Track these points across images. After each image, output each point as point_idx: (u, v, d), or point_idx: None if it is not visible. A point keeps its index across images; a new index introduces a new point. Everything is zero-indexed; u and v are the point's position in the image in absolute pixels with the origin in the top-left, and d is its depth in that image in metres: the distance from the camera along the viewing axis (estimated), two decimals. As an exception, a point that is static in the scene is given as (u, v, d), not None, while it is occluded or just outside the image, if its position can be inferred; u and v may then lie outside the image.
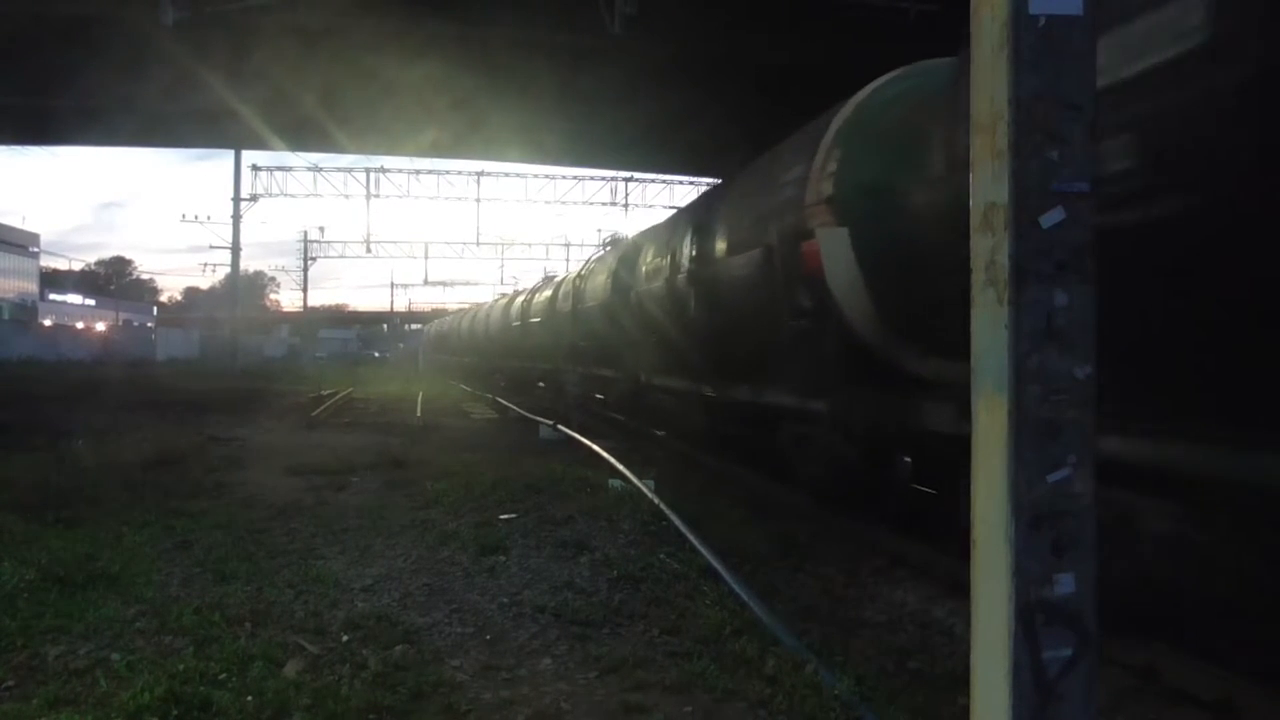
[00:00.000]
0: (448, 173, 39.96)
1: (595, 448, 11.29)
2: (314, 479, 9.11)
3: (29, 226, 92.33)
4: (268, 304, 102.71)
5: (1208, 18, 3.28)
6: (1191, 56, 3.34)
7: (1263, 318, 3.31)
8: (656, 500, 7.32)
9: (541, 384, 23.48)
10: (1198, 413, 3.78)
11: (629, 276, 14.11)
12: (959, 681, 3.95)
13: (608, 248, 20.09)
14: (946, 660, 4.66)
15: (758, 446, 9.46)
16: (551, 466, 9.35)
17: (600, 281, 16.71)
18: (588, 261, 21.45)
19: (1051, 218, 2.12)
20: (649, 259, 12.97)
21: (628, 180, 39.40)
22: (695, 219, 11.14)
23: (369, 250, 51.51)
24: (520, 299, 29.58)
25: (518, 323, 27.60)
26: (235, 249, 40.26)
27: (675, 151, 22.81)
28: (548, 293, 24.30)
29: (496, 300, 38.08)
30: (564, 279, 23.43)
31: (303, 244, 55.72)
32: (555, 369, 21.73)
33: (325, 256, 56.06)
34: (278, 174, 38.98)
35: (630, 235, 19.65)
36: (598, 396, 18.47)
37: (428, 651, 4.15)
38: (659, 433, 13.98)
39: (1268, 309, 3.27)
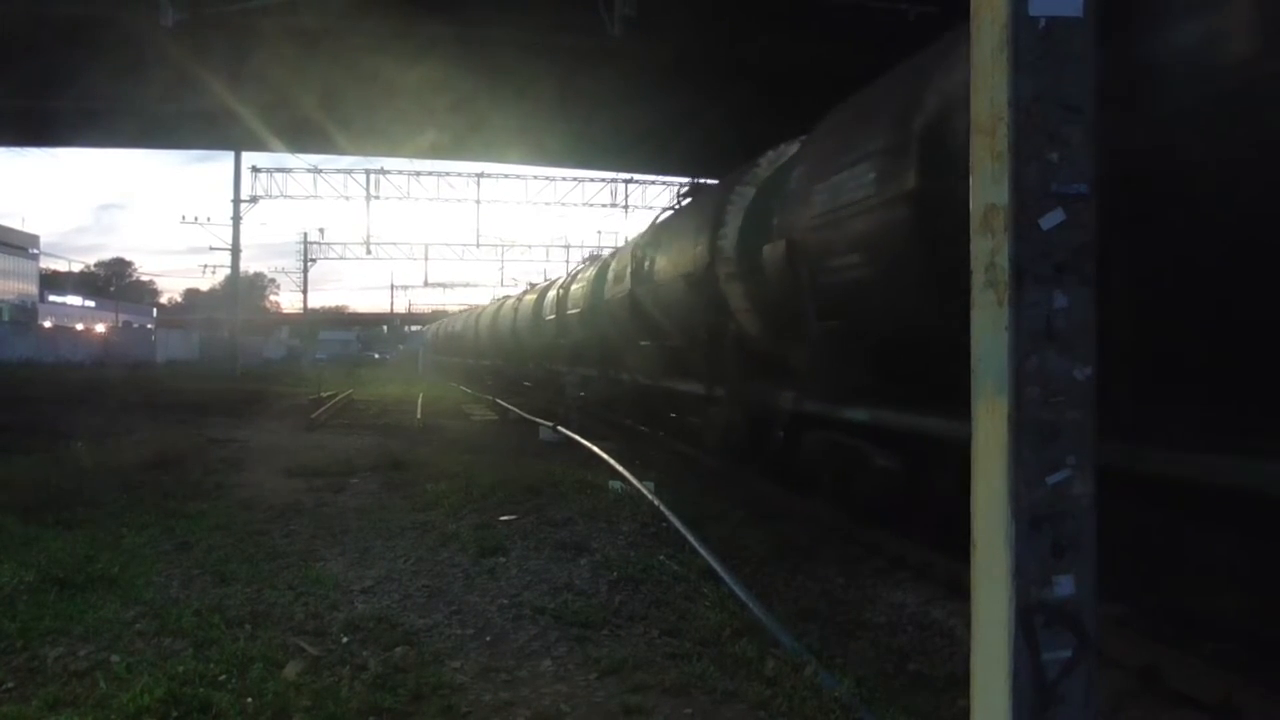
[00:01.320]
0: (447, 174, 39.95)
1: (595, 449, 11.29)
2: (314, 481, 9.11)
3: (29, 228, 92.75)
4: (267, 305, 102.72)
5: None
6: None
7: None
8: (656, 502, 7.32)
9: (582, 393, 17.37)
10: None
11: (768, 218, 8.36)
12: (959, 683, 3.95)
13: (685, 200, 13.27)
14: (946, 662, 4.66)
15: None
16: (551, 468, 9.34)
17: (681, 247, 11.15)
18: (653, 222, 14.91)
19: (1051, 219, 2.12)
20: (827, 176, 6.79)
21: (628, 182, 39.39)
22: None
23: (369, 252, 51.52)
24: (555, 288, 23.20)
25: (551, 316, 21.67)
26: (235, 250, 40.26)
27: (675, 153, 22.78)
28: (590, 274, 17.83)
29: (526, 292, 31.62)
30: (617, 252, 17.52)
31: (302, 245, 55.77)
32: (602, 377, 16.56)
33: (325, 258, 56.10)
34: (277, 175, 38.98)
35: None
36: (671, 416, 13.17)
37: (428, 653, 4.15)
38: (660, 434, 13.92)
39: None
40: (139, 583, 5.10)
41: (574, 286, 19.78)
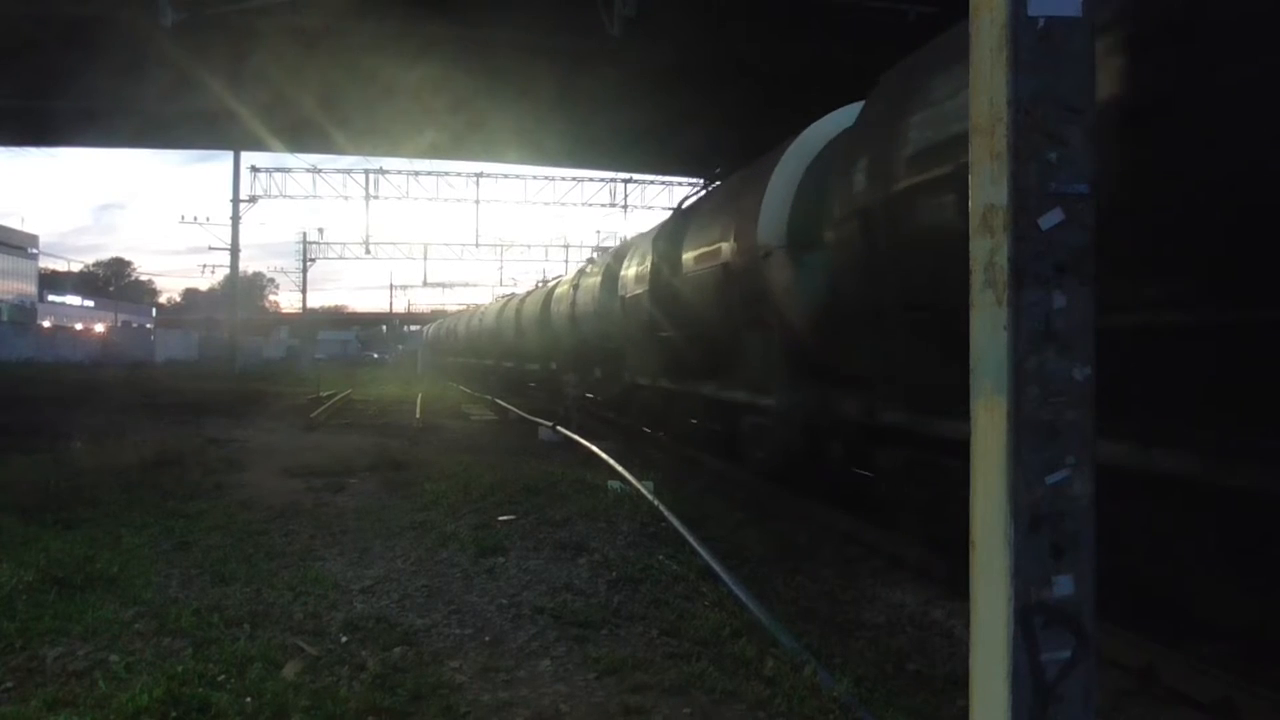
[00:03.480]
0: (447, 174, 40.00)
1: (594, 449, 11.29)
2: (313, 481, 9.09)
3: (28, 228, 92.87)
4: (267, 305, 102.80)
5: None
6: None
7: None
8: (655, 502, 7.31)
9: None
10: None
11: None
12: (958, 683, 3.96)
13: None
14: (946, 662, 4.66)
15: None
16: (551, 468, 9.34)
17: None
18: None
19: (1050, 219, 2.12)
20: None
21: (627, 182, 39.47)
22: None
23: (368, 252, 51.51)
24: (636, 255, 14.01)
25: (640, 290, 12.97)
26: (234, 250, 40.27)
27: (674, 153, 22.83)
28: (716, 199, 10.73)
29: (583, 272, 20.86)
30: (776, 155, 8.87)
31: (302, 245, 55.75)
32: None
33: (324, 258, 56.07)
34: (277, 175, 39.03)
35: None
36: None
37: (427, 653, 4.14)
38: (658, 435, 13.90)
39: None
40: (138, 582, 5.09)
41: (692, 240, 10.92)
